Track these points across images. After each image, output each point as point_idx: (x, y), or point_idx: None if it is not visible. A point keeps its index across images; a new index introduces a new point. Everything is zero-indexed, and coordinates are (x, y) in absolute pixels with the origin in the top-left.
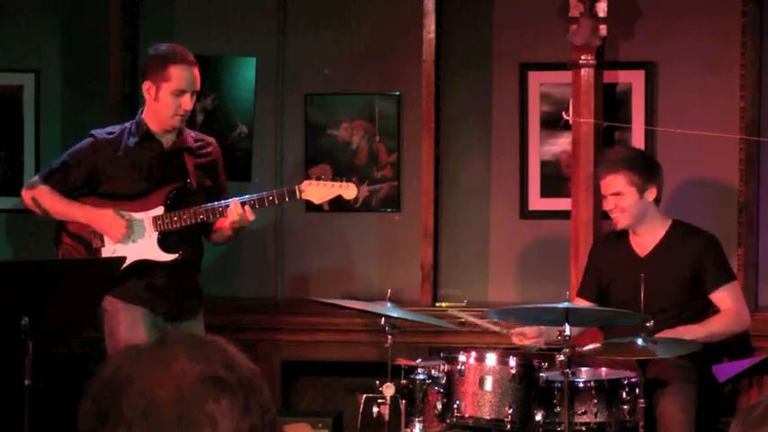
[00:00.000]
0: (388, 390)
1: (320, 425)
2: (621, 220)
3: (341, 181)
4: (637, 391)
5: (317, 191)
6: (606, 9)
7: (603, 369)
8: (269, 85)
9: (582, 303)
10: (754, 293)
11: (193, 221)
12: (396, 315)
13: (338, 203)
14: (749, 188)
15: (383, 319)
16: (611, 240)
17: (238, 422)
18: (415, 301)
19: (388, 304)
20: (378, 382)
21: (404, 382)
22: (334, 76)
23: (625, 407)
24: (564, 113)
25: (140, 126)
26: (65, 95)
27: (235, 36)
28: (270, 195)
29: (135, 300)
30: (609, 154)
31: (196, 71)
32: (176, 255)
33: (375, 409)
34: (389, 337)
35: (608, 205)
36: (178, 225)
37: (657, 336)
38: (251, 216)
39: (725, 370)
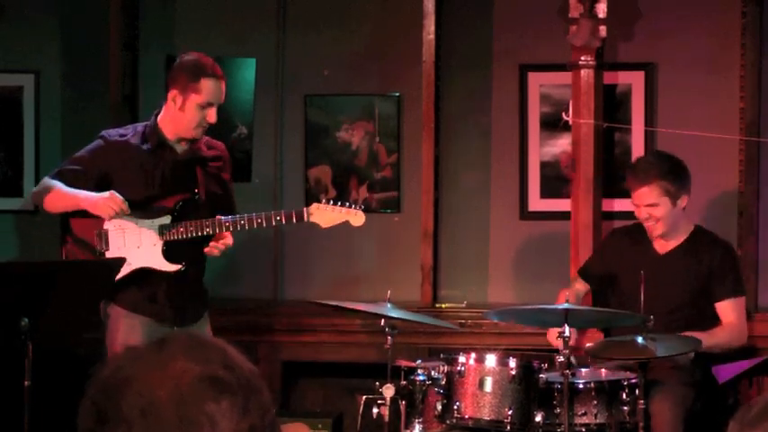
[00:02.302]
0: (388, 391)
1: (320, 426)
2: (657, 230)
3: (351, 207)
4: (637, 392)
5: (325, 215)
6: (606, 10)
7: (603, 370)
8: (269, 85)
9: (578, 283)
10: (754, 294)
11: (200, 234)
12: (395, 316)
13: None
14: (749, 189)
15: (383, 320)
16: (632, 234)
17: (238, 422)
18: (414, 301)
19: (388, 305)
20: (378, 383)
21: (404, 383)
22: (334, 76)
23: (625, 408)
24: (564, 114)
25: (155, 132)
26: (65, 96)
27: (235, 37)
28: (278, 215)
29: (136, 309)
30: (641, 164)
31: (224, 85)
32: (180, 266)
33: (375, 410)
34: (389, 338)
35: (641, 215)
36: (184, 236)
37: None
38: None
39: (725, 371)
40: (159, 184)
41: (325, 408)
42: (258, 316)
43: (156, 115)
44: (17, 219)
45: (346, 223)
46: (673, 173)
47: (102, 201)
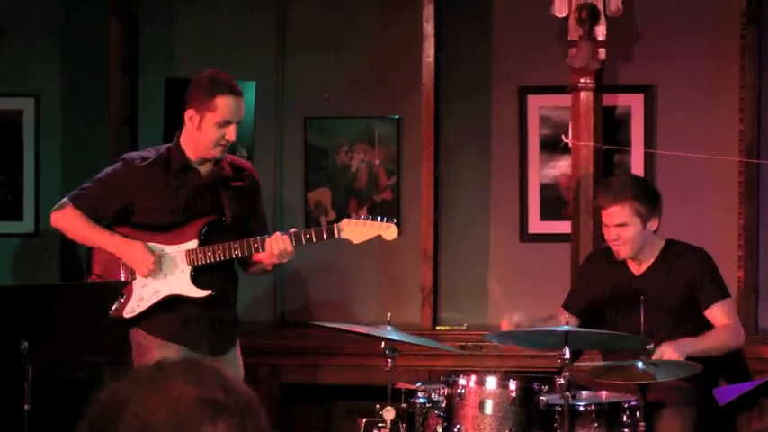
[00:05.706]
0: (389, 413)
1: None
2: (623, 252)
3: (382, 221)
4: (637, 414)
5: (357, 230)
6: (605, 32)
7: (604, 392)
8: (268, 108)
9: (563, 316)
10: (755, 316)
11: (228, 257)
12: (396, 338)
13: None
14: (749, 210)
15: (383, 342)
16: (604, 259)
17: None
18: (415, 324)
19: (388, 327)
20: (378, 405)
21: (404, 405)
22: (333, 99)
23: (626, 430)
24: (563, 137)
25: (178, 154)
26: (65, 120)
27: (234, 60)
28: (307, 233)
29: (172, 338)
30: (613, 183)
31: (242, 101)
32: (209, 292)
33: None
34: (389, 360)
35: (611, 236)
36: (212, 260)
37: (657, 346)
38: (290, 247)
39: (726, 393)
40: (183, 208)
41: (325, 431)
42: (258, 338)
43: (178, 137)
44: (17, 242)
45: (379, 237)
46: (646, 195)
47: (135, 256)
